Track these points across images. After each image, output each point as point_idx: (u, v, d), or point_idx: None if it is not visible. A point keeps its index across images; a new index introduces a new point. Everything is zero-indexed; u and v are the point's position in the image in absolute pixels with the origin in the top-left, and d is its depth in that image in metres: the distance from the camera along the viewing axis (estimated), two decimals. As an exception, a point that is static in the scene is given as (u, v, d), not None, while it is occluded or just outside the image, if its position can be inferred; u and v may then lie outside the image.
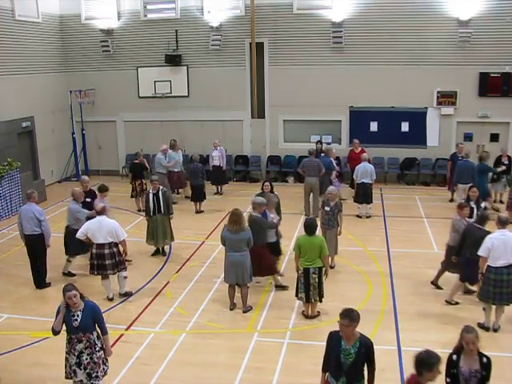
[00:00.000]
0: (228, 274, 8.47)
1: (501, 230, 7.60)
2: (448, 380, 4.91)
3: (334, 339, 5.01)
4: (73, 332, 5.72)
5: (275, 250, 9.47)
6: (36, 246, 9.45)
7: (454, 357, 4.87)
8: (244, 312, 8.52)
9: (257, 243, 8.56)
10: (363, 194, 13.31)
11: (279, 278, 9.43)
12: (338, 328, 5.00)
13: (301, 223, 12.58)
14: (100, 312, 5.92)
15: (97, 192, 10.57)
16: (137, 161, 14.50)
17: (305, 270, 7.98)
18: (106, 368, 5.97)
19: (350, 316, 4.89)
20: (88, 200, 10.98)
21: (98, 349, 5.81)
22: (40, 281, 9.59)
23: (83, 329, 5.68)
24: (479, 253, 7.63)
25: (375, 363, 4.99)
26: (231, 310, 8.59)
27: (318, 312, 8.25)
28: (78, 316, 5.67)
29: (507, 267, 7.45)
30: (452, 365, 4.86)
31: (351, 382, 4.95)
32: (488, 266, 7.55)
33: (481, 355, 4.83)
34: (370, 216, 13.37)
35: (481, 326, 7.74)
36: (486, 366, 4.81)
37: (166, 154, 14.76)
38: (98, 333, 5.89)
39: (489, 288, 7.55)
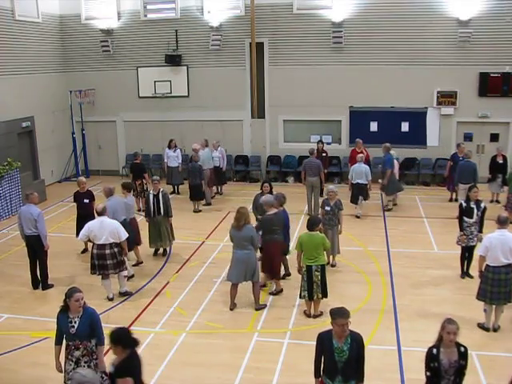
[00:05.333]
0: (232, 271, 8.50)
1: (500, 229, 7.59)
2: (428, 374, 4.98)
3: (325, 340, 5.02)
4: (70, 339, 5.59)
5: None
6: (36, 247, 9.42)
7: (434, 351, 4.95)
8: (256, 309, 8.51)
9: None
10: (358, 195, 13.29)
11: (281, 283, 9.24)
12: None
13: (300, 223, 12.61)
14: (99, 320, 5.71)
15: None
16: (137, 161, 14.49)
17: (307, 268, 8.01)
18: (106, 377, 5.72)
19: (348, 314, 4.95)
20: (86, 201, 11.00)
21: (96, 357, 5.68)
22: (42, 282, 9.56)
23: (80, 336, 5.55)
24: (477, 252, 7.74)
25: (364, 358, 5.02)
26: (231, 309, 8.58)
27: (322, 312, 8.24)
28: (75, 322, 5.53)
29: (505, 267, 7.46)
30: (432, 358, 4.94)
31: (347, 380, 4.98)
32: (487, 265, 7.58)
33: (458, 345, 4.93)
34: (359, 216, 13.31)
35: (481, 326, 7.79)
36: (463, 355, 4.91)
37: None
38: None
39: (487, 287, 7.59)
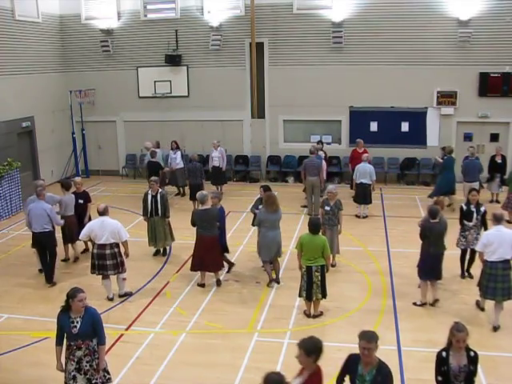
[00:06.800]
0: (265, 251, 9.34)
1: (496, 226, 7.83)
2: (439, 378, 4.93)
3: (351, 362, 4.73)
4: (71, 339, 5.59)
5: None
6: (47, 244, 9.62)
7: (444, 354, 4.90)
8: (277, 282, 9.42)
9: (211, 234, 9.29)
10: (362, 195, 13.34)
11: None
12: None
13: (300, 223, 12.62)
14: (100, 319, 5.72)
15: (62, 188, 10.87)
16: (153, 159, 14.69)
17: (307, 268, 8.02)
18: (108, 375, 5.83)
19: (371, 338, 4.57)
20: (80, 202, 11.01)
21: (97, 356, 5.67)
22: (50, 277, 9.74)
23: (82, 336, 5.55)
24: (477, 248, 8.11)
25: None
26: (269, 286, 9.35)
27: (321, 312, 8.26)
28: (77, 322, 5.53)
29: (502, 262, 7.60)
30: (442, 362, 4.89)
31: None
32: (485, 260, 7.78)
33: (468, 350, 4.87)
34: (366, 216, 13.37)
35: (478, 303, 8.27)
36: (473, 360, 4.84)
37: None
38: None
39: (483, 282, 7.82)
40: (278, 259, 9.57)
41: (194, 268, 9.55)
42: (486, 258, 7.72)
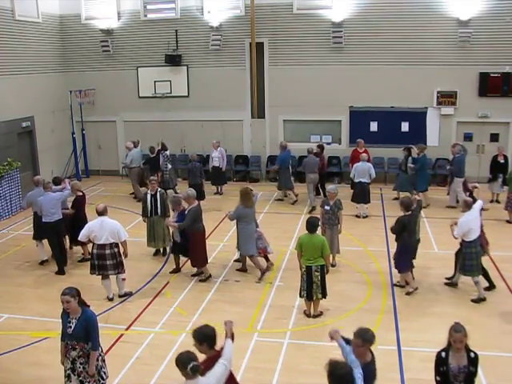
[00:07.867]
0: (251, 244, 9.61)
1: (468, 212, 8.61)
2: (438, 378, 4.93)
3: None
4: (68, 338, 5.59)
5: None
6: (60, 230, 10.23)
7: (443, 354, 4.89)
8: (244, 269, 9.93)
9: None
10: (361, 194, 13.36)
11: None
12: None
13: (300, 223, 12.62)
14: (95, 324, 5.63)
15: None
16: (153, 155, 15.06)
17: (307, 268, 8.02)
18: (102, 381, 5.74)
19: (357, 335, 4.68)
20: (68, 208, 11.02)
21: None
22: (63, 267, 10.25)
23: (75, 337, 5.53)
24: (455, 234, 8.66)
25: None
26: (261, 280, 9.62)
27: (321, 312, 8.26)
28: (72, 323, 5.53)
29: (479, 238, 8.62)
30: (441, 362, 4.88)
31: None
32: (467, 242, 8.51)
33: (468, 351, 4.85)
34: (366, 216, 13.37)
35: (475, 301, 8.50)
36: (473, 360, 4.83)
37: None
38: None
39: (472, 262, 8.52)
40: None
41: (207, 261, 9.89)
42: (468, 239, 8.48)
